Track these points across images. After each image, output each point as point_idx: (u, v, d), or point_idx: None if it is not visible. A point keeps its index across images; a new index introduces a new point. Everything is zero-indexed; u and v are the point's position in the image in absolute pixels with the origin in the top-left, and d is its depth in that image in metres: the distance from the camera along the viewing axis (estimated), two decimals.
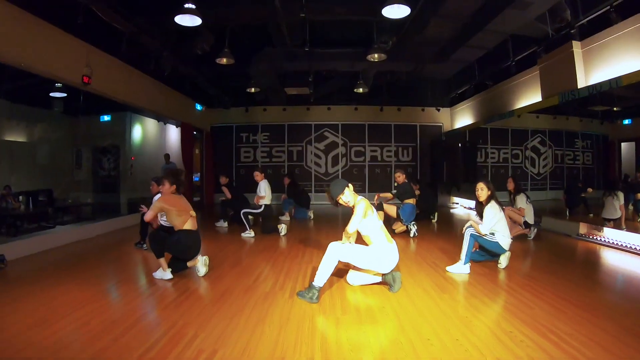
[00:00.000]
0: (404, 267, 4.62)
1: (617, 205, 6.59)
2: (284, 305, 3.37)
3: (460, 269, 4.41)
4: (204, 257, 4.39)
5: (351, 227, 3.70)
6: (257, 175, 7.38)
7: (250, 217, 7.10)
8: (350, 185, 3.87)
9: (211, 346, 2.58)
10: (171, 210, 4.13)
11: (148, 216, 4.20)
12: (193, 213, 4.35)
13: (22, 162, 10.24)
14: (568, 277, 4.26)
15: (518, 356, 2.44)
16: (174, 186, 4.34)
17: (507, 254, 4.63)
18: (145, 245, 5.71)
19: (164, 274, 4.16)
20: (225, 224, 7.89)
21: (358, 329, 2.89)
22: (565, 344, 2.59)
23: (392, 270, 3.79)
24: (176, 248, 4.20)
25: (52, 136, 11.35)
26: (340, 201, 3.84)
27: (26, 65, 5.50)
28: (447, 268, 4.50)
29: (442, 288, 3.87)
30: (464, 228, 4.57)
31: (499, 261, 4.62)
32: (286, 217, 8.92)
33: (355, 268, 3.93)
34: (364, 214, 3.69)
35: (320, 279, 3.52)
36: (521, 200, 6.39)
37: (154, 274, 4.24)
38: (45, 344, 2.62)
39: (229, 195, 7.66)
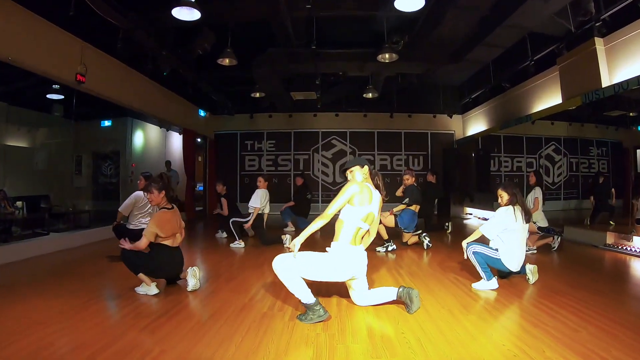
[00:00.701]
0: (422, 284, 4.09)
1: None
2: (283, 330, 2.83)
3: (486, 286, 3.88)
4: (193, 267, 3.90)
5: (329, 209, 3.11)
6: (260, 181, 6.90)
7: (238, 226, 6.61)
8: (367, 167, 3.35)
9: None
10: (162, 232, 3.68)
11: (142, 244, 3.62)
12: (179, 235, 3.90)
13: (19, 167, 9.94)
14: (608, 293, 3.73)
15: None
16: (163, 192, 3.84)
17: (532, 267, 4.11)
18: None
19: (149, 289, 3.66)
20: (225, 235, 7.44)
21: None
22: None
23: (406, 288, 3.23)
24: (150, 266, 3.70)
25: (52, 141, 11.06)
26: (348, 176, 3.37)
27: (13, 60, 5.13)
28: (473, 285, 3.97)
29: (469, 308, 3.33)
30: (464, 250, 4.02)
31: (527, 276, 4.09)
32: (290, 228, 8.44)
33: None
34: (350, 197, 3.12)
35: (304, 296, 2.98)
36: (539, 191, 6.04)
37: (136, 288, 3.74)
38: None
39: (226, 211, 6.99)
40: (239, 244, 6.43)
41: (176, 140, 13.48)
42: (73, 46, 6.15)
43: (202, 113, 11.99)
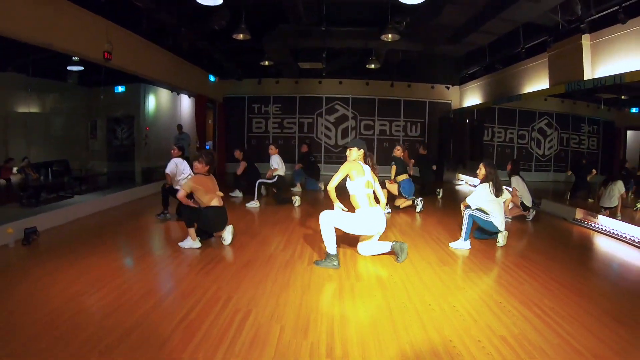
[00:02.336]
0: (410, 241, 5.02)
1: (616, 194, 6.63)
2: (304, 272, 3.81)
3: (461, 245, 4.81)
4: (229, 225, 4.79)
5: (331, 182, 4.06)
6: (272, 148, 7.73)
7: (262, 187, 7.51)
8: (363, 150, 4.26)
9: (245, 306, 3.01)
10: (199, 189, 4.53)
11: (180, 195, 4.51)
12: (220, 193, 4.75)
13: (38, 134, 10.35)
14: (560, 259, 4.53)
15: (505, 323, 2.83)
16: (208, 167, 4.71)
17: (505, 233, 4.98)
18: (168, 215, 6.08)
19: (194, 243, 4.53)
20: (240, 194, 8.23)
21: (370, 294, 3.34)
22: (548, 317, 2.91)
23: (399, 242, 4.19)
24: (204, 222, 4.59)
25: (68, 107, 11.55)
26: (347, 152, 4.28)
27: (51, 44, 5.66)
28: (450, 244, 4.90)
29: (444, 261, 4.30)
30: (462, 208, 4.94)
31: (497, 240, 4.97)
32: (298, 189, 9.29)
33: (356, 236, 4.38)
34: (346, 174, 4.10)
35: (330, 246, 3.96)
36: (516, 181, 6.59)
37: (180, 243, 4.56)
38: (94, 310, 2.91)
39: (239, 172, 8.04)
40: (255, 204, 7.24)
41: (186, 103, 14.03)
42: (100, 26, 6.63)
43: (212, 78, 12.52)
